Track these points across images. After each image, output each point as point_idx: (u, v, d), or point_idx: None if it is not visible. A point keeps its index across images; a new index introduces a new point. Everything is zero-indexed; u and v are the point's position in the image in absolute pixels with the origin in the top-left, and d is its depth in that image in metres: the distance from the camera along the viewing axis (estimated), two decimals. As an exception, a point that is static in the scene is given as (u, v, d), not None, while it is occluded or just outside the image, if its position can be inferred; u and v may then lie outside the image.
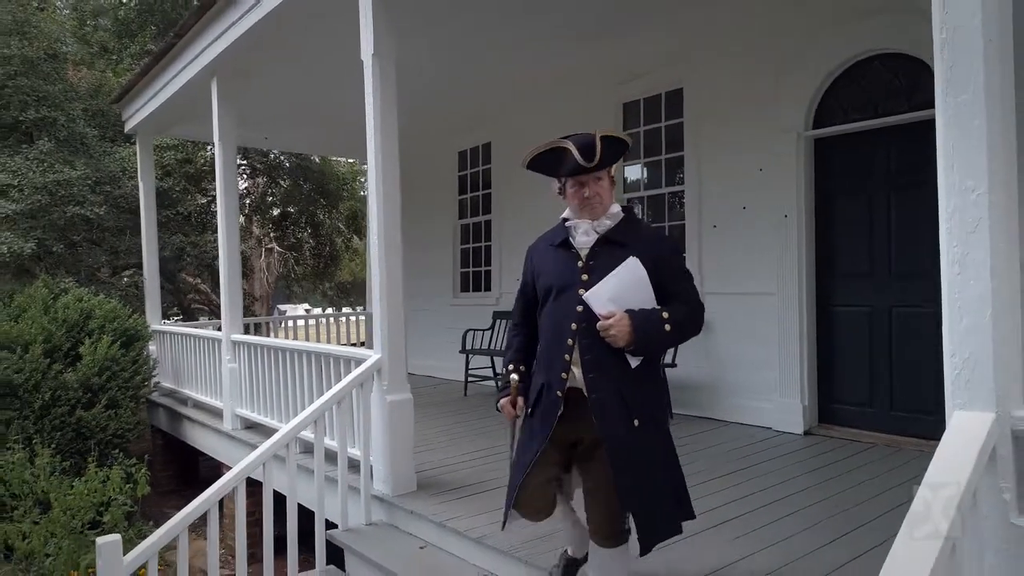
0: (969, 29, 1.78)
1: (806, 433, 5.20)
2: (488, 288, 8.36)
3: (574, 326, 2.34)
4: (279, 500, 3.81)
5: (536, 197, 7.48)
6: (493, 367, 7.30)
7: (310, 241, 16.45)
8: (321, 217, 16.13)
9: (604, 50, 6.33)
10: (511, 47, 6.31)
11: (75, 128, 9.47)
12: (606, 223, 2.42)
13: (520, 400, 2.49)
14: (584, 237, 2.43)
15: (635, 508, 2.28)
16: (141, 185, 8.48)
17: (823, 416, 5.31)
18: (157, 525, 4.65)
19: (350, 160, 16.29)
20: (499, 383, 2.62)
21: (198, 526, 4.59)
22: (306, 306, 25.16)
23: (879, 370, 4.94)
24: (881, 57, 4.91)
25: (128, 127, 8.59)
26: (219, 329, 6.77)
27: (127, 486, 5.41)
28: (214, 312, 13.46)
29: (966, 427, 1.77)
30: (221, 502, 3.67)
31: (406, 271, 4.44)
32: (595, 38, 6.10)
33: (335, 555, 3.97)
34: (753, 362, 5.54)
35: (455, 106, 8.11)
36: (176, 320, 12.65)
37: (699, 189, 5.95)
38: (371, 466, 4.19)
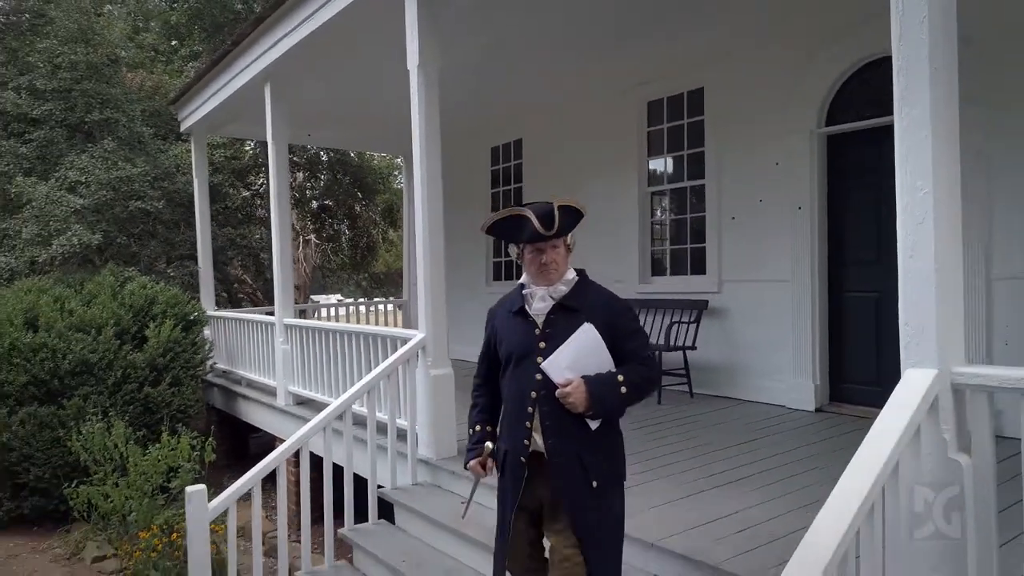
0: (919, 59, 2.19)
1: (817, 410, 5.57)
2: (519, 277, 8.79)
3: (534, 394, 2.43)
4: (332, 470, 4.32)
5: (562, 192, 7.90)
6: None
7: (347, 233, 17.09)
8: (358, 210, 16.75)
9: (629, 53, 6.70)
10: (545, 52, 6.72)
11: (134, 128, 10.14)
12: (561, 289, 2.48)
13: (490, 461, 2.55)
14: (540, 303, 2.49)
15: (593, 556, 2.37)
16: (195, 181, 9.08)
17: (834, 395, 5.67)
18: (215, 495, 5.16)
19: (385, 155, 16.85)
20: (469, 441, 2.65)
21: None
22: (338, 296, 25.85)
23: (887, 351, 5.28)
24: (889, 59, 5.21)
25: (183, 127, 9.19)
26: (270, 314, 7.33)
27: (194, 453, 5.99)
28: (256, 302, 14.10)
29: (914, 381, 2.19)
30: (273, 474, 4.17)
31: (447, 264, 4.90)
32: (621, 43, 6.48)
33: (385, 512, 4.47)
34: (768, 344, 5.91)
35: (489, 105, 8.54)
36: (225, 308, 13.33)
37: (719, 183, 6.32)
38: (416, 434, 4.68)
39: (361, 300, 13.80)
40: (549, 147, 8.25)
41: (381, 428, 4.71)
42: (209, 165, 11.07)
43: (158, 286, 7.97)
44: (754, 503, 3.52)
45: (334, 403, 4.37)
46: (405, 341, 4.77)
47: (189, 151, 10.17)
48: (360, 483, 4.48)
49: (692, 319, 6.24)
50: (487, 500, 3.99)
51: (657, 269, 7.19)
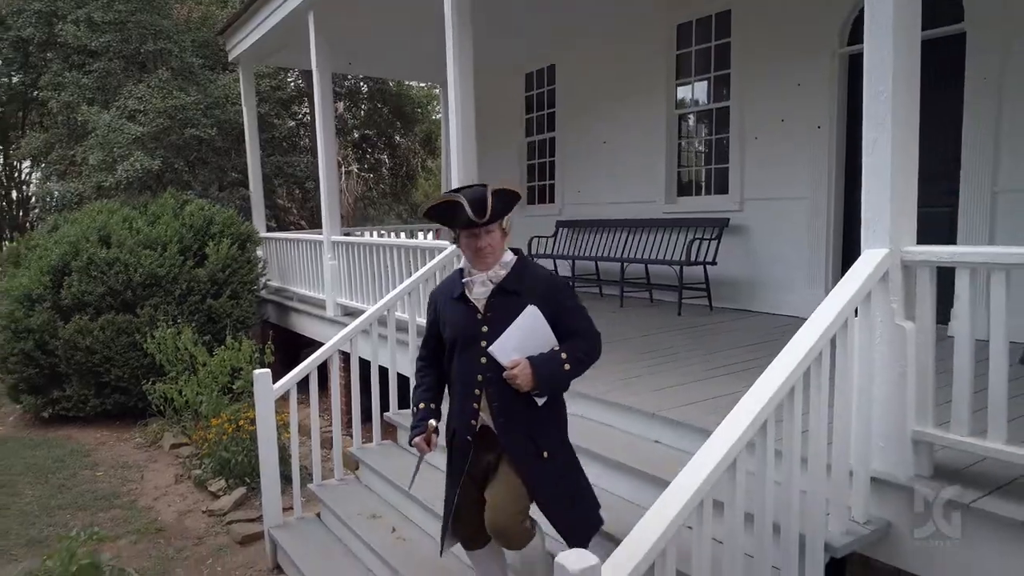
0: (884, -27, 2.48)
1: (828, 320, 5.90)
2: (552, 200, 9.18)
3: (480, 377, 2.52)
4: (378, 368, 4.87)
5: (596, 119, 8.18)
6: (556, 269, 8.21)
7: (388, 162, 17.53)
8: (398, 139, 17.13)
9: (659, -25, 6.84)
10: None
11: (185, 58, 10.61)
12: (500, 273, 2.54)
13: (434, 437, 2.62)
14: (481, 288, 2.54)
15: (560, 519, 2.54)
16: (244, 109, 9.56)
17: (844, 306, 5.99)
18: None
19: (423, 85, 17.07)
20: (413, 418, 2.71)
21: (304, 400, 5.63)
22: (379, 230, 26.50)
23: (896, 265, 5.58)
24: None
25: (231, 56, 9.61)
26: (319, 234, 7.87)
27: (254, 356, 6.65)
28: (300, 229, 14.78)
29: (868, 257, 2.57)
30: (325, 373, 4.74)
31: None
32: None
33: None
34: (784, 259, 6.23)
35: (523, 31, 8.72)
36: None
37: (742, 104, 6.54)
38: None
39: (402, 227, 14.34)
40: (581, 72, 8.46)
41: (422, 331, 5.21)
42: (256, 95, 11.54)
43: (215, 207, 8.57)
44: (749, 386, 3.93)
45: (381, 301, 4.90)
46: (441, 250, 5.24)
47: (236, 81, 10.62)
48: (403, 381, 5.02)
49: (713, 236, 6.57)
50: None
51: (682, 189, 7.48)
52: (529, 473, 2.52)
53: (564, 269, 8.17)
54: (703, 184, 7.29)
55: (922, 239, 2.59)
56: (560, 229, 8.57)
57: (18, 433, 7.36)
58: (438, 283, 5.18)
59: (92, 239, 7.49)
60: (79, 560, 3.56)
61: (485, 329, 2.51)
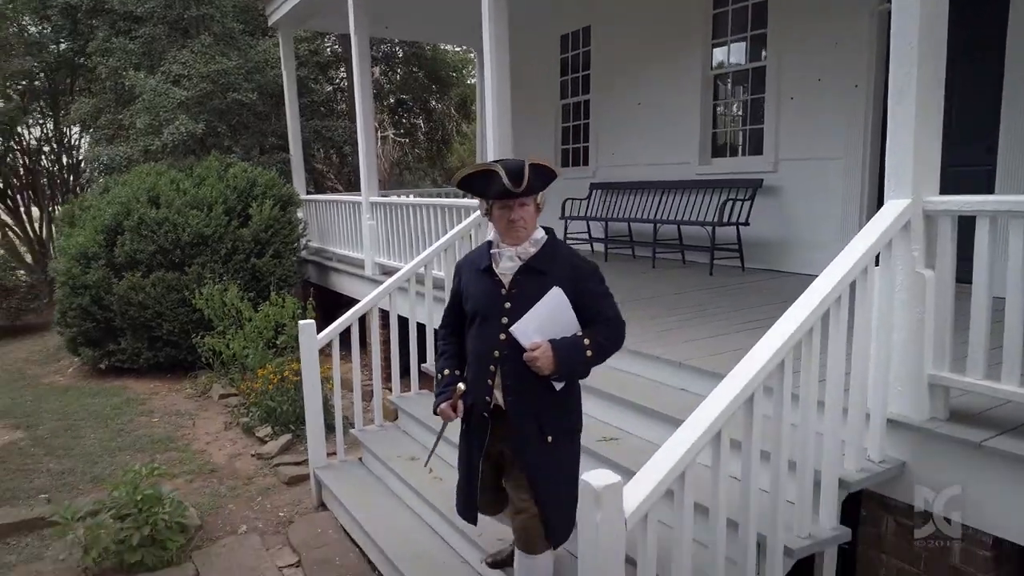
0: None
1: (860, 281, 5.93)
2: (586, 163, 9.22)
3: (497, 353, 2.48)
4: (416, 324, 5.06)
5: (631, 80, 8.17)
6: (589, 231, 8.31)
7: (423, 127, 17.64)
8: (433, 104, 17.21)
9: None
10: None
11: (226, 23, 10.82)
12: (529, 250, 2.50)
13: (460, 404, 2.57)
14: (508, 263, 2.50)
15: (549, 516, 2.52)
16: (284, 73, 9.74)
17: (877, 266, 6.00)
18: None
19: (458, 48, 17.06)
20: (437, 386, 2.70)
21: (345, 357, 5.88)
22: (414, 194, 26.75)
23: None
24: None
25: (271, 21, 9.77)
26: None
27: (297, 312, 6.92)
28: (337, 192, 15.05)
29: (891, 207, 2.64)
30: (364, 332, 4.95)
31: (514, 148, 5.38)
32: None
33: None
34: (817, 219, 6.24)
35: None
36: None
37: (779, 63, 6.50)
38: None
39: (436, 192, 14.52)
40: (617, 34, 8.43)
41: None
42: (294, 59, 11.71)
43: (257, 170, 8.82)
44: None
45: (418, 257, 5.08)
46: (475, 210, 5.38)
47: (276, 46, 10.79)
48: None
49: (747, 197, 6.59)
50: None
51: (716, 151, 7.48)
52: (527, 456, 2.49)
53: (597, 231, 8.26)
54: (737, 145, 7.28)
55: (961, 196, 2.64)
56: (594, 191, 8.63)
57: (77, 383, 7.80)
58: (471, 248, 5.39)
59: (142, 200, 7.79)
60: (143, 491, 3.86)
61: (508, 305, 2.47)
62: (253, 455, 5.51)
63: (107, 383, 7.64)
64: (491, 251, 2.55)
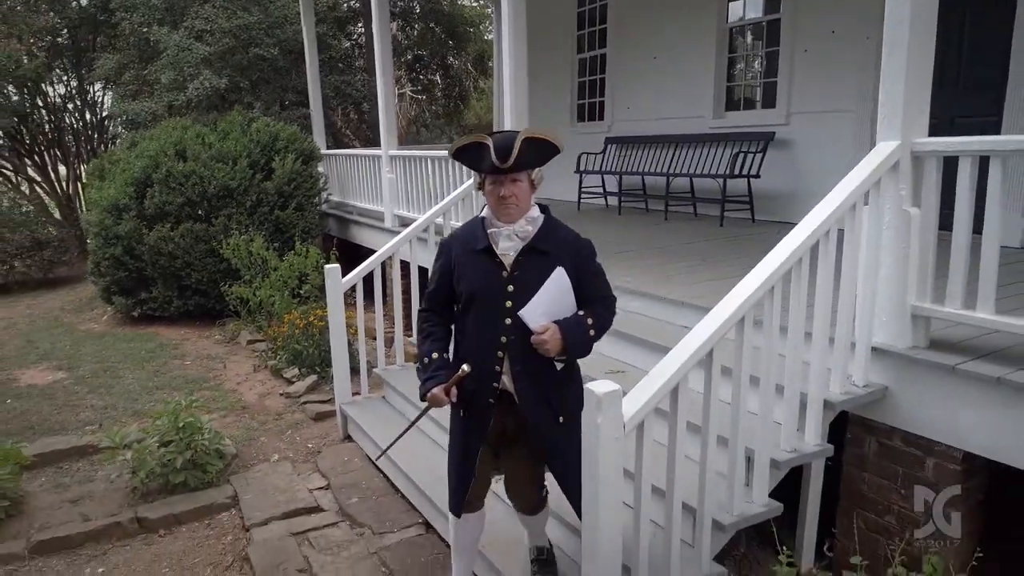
0: None
1: (867, 231, 6.07)
2: (601, 118, 9.32)
3: (504, 339, 2.40)
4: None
5: (647, 34, 8.22)
6: (603, 185, 8.46)
7: (440, 83, 17.68)
8: (451, 60, 17.22)
9: None
10: None
11: (245, -23, 10.93)
12: (527, 229, 2.40)
13: (454, 389, 2.46)
14: (507, 243, 2.40)
15: (570, 485, 2.48)
16: (304, 27, 9.87)
17: (885, 218, 6.13)
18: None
19: (476, 3, 16.98)
20: (424, 370, 2.51)
21: (368, 306, 6.09)
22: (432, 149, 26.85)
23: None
24: None
25: (290, -25, 9.88)
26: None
27: (320, 262, 7.18)
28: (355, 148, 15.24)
29: (880, 148, 2.82)
30: (386, 283, 5.18)
31: (531, 103, 5.48)
32: None
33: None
34: (827, 171, 6.29)
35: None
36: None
37: (794, 16, 6.54)
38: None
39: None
40: (633, -14, 8.44)
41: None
42: (313, 14, 11.79)
43: (279, 124, 9.02)
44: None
45: (436, 206, 5.30)
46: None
47: (295, 1, 10.89)
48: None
49: (758, 149, 6.70)
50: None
51: (730, 105, 7.56)
52: (547, 438, 2.47)
53: (611, 185, 8.41)
54: (751, 99, 7.35)
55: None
56: (608, 145, 8.75)
57: (112, 330, 8.17)
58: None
59: (169, 153, 8.04)
60: (184, 419, 4.18)
61: (511, 289, 2.37)
62: (281, 394, 5.83)
63: (140, 330, 8.00)
64: (487, 230, 2.43)
